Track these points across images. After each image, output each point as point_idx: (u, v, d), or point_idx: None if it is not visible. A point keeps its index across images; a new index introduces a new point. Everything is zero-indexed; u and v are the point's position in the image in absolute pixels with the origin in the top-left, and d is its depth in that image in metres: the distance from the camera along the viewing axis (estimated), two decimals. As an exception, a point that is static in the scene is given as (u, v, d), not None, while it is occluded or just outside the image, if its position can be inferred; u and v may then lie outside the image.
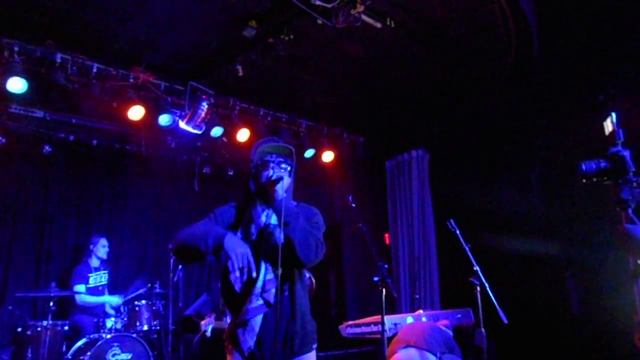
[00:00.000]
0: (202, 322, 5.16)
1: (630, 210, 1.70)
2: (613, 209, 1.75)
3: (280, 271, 2.16)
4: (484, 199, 6.05)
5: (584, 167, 1.80)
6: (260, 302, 2.19)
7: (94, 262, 5.80)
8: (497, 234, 5.74)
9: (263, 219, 2.32)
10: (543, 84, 5.38)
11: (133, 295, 5.69)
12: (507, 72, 5.35)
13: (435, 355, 3.81)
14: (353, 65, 5.37)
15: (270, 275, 2.22)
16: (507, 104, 5.78)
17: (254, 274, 2.13)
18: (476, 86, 5.71)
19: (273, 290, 2.20)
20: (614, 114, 1.82)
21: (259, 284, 2.20)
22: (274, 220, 2.31)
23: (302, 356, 2.24)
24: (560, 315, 5.28)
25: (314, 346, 2.31)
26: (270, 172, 2.29)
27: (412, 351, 3.85)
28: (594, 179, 1.80)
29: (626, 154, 1.76)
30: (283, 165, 2.35)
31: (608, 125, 1.83)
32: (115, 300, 5.68)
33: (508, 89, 5.59)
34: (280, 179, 2.23)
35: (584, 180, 1.81)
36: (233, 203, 2.45)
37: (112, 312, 5.61)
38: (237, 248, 2.10)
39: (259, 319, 2.18)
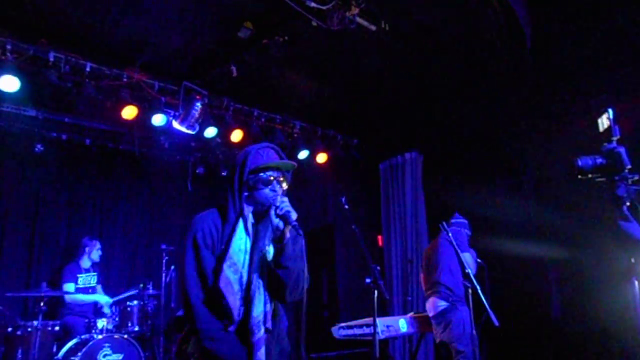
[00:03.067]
0: None
1: (625, 208, 1.68)
2: (603, 212, 1.74)
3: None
4: (476, 201, 6.08)
5: (580, 163, 1.78)
6: (262, 331, 2.06)
7: (85, 263, 5.76)
8: (489, 236, 5.77)
9: (255, 238, 2.16)
10: (536, 88, 5.42)
11: (123, 296, 5.66)
12: (500, 76, 5.39)
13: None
14: (347, 67, 5.39)
15: (269, 306, 2.12)
16: (500, 107, 5.82)
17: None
18: (469, 89, 5.75)
19: (270, 317, 2.12)
20: (610, 110, 1.79)
21: (259, 313, 2.06)
22: (268, 244, 2.17)
23: None
24: (545, 319, 5.34)
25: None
26: (279, 200, 2.08)
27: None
28: (590, 175, 1.78)
29: (622, 150, 1.73)
30: (284, 185, 2.18)
31: (604, 122, 1.81)
32: (105, 299, 5.65)
33: (501, 92, 5.64)
34: (291, 215, 2.06)
35: (579, 177, 1.79)
36: (214, 211, 2.18)
37: (107, 311, 5.58)
38: None
39: (263, 349, 2.06)
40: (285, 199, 2.10)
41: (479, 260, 4.39)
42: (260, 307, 2.06)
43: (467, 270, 3.81)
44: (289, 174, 2.21)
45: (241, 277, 2.05)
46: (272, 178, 2.13)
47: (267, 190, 2.12)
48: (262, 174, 2.12)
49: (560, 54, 4.98)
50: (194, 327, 2.01)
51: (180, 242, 2.18)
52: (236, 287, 2.03)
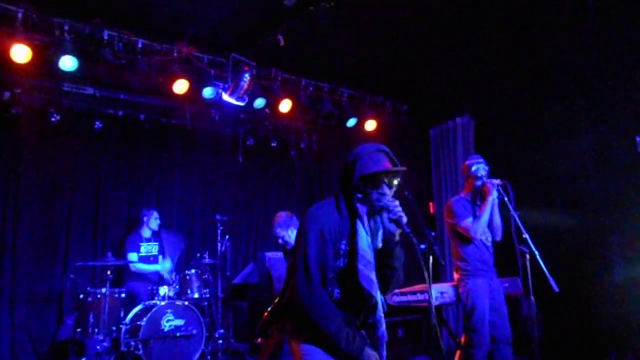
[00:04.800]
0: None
1: None
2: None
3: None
4: (532, 166, 5.88)
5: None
6: (384, 325, 2.22)
7: (146, 233, 6.04)
8: (546, 201, 5.59)
9: (371, 239, 2.25)
10: (597, 43, 5.09)
11: (178, 253, 5.92)
12: (558, 34, 5.10)
13: None
14: (395, 31, 5.24)
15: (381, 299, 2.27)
16: (558, 65, 5.52)
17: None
18: (523, 49, 5.47)
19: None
20: None
21: (380, 307, 2.21)
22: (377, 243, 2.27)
23: None
24: (604, 284, 5.14)
25: None
26: (392, 205, 2.13)
27: None
28: None
29: None
30: (394, 185, 2.22)
31: None
32: (168, 265, 5.92)
33: (559, 51, 5.34)
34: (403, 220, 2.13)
35: None
36: (332, 203, 2.24)
37: (167, 276, 5.85)
38: None
39: (385, 343, 2.22)
40: (397, 202, 2.14)
41: (498, 181, 3.98)
42: (379, 301, 2.19)
43: (524, 236, 3.70)
44: (399, 175, 2.24)
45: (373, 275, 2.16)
46: (381, 182, 2.17)
47: (376, 194, 2.16)
48: (372, 180, 2.17)
49: (625, 12, 4.63)
50: (312, 315, 2.08)
51: (302, 228, 2.21)
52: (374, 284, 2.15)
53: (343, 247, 2.16)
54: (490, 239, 4.14)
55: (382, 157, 2.21)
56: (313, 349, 2.14)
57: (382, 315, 2.21)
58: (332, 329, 2.08)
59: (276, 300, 2.35)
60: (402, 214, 2.12)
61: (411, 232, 2.11)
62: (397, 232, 2.18)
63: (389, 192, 2.19)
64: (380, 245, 2.25)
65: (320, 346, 2.14)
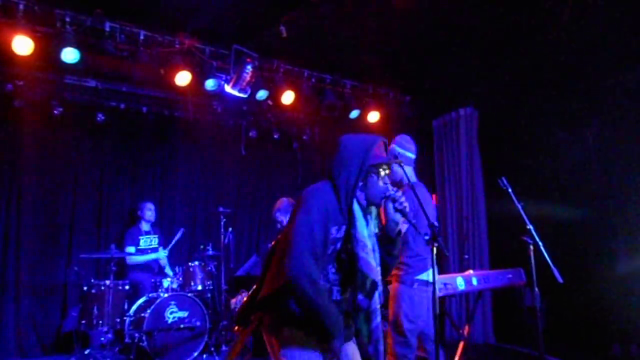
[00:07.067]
0: (233, 300, 5.23)
1: None
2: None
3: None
4: (536, 157, 5.86)
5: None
6: (380, 318, 2.20)
7: (145, 226, 6.06)
8: (550, 192, 5.58)
9: (372, 228, 2.24)
10: (601, 34, 5.04)
11: (173, 243, 5.95)
12: (562, 22, 5.04)
13: None
14: (398, 21, 5.20)
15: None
16: (562, 56, 5.47)
17: None
18: (528, 37, 5.42)
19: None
20: None
21: (377, 297, 2.20)
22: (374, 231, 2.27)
23: None
24: (608, 276, 5.13)
25: None
26: (398, 194, 2.15)
27: None
28: None
29: None
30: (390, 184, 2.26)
31: None
32: (162, 254, 5.94)
33: (563, 38, 5.28)
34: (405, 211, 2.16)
35: None
36: (327, 186, 2.19)
37: (169, 272, 5.87)
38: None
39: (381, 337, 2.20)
40: (400, 193, 2.18)
41: None
42: (379, 286, 2.16)
43: (528, 227, 3.68)
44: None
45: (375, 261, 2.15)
46: (386, 172, 2.22)
47: (381, 183, 2.20)
48: (379, 167, 2.20)
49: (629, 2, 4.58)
50: (304, 294, 1.98)
51: (301, 205, 2.14)
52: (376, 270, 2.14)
53: (341, 232, 2.13)
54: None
55: (383, 149, 2.26)
56: (291, 353, 2.07)
57: (378, 307, 2.19)
58: (321, 308, 1.99)
59: (255, 286, 2.27)
60: (407, 205, 2.15)
61: (415, 222, 2.15)
62: (401, 221, 2.19)
63: (389, 182, 2.24)
64: (376, 232, 2.26)
65: (298, 342, 2.06)
